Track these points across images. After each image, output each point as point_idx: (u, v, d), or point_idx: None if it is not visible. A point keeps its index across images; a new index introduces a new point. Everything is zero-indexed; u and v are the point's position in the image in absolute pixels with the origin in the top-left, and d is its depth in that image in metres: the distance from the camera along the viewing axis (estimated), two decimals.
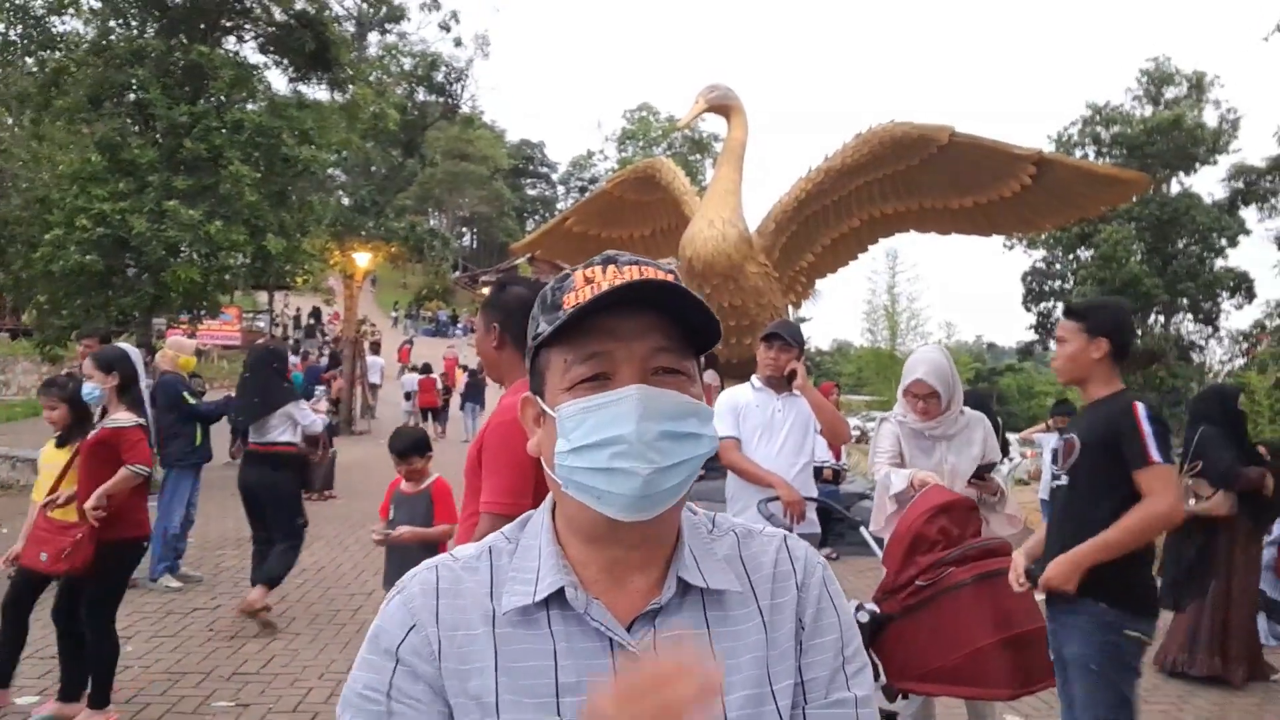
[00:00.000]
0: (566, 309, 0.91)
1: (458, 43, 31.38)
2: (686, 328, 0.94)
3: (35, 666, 4.86)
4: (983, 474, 3.65)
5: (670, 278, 0.93)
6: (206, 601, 6.52)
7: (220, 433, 8.53)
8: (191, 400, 7.25)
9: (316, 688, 4.88)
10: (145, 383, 6.98)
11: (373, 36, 26.22)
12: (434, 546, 4.17)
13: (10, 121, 16.06)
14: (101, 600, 4.24)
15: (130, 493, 4.24)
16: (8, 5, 13.99)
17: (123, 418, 4.33)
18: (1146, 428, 2.83)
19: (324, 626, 6.04)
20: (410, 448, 4.46)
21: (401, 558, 4.10)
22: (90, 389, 4.41)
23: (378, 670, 0.91)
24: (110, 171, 13.29)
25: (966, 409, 3.77)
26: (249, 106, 15.18)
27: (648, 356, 0.91)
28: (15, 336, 24.12)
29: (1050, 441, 8.24)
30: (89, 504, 4.06)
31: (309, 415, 6.67)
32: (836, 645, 0.99)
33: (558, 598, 0.92)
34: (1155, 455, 2.79)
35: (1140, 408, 2.89)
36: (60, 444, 4.52)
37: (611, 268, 0.93)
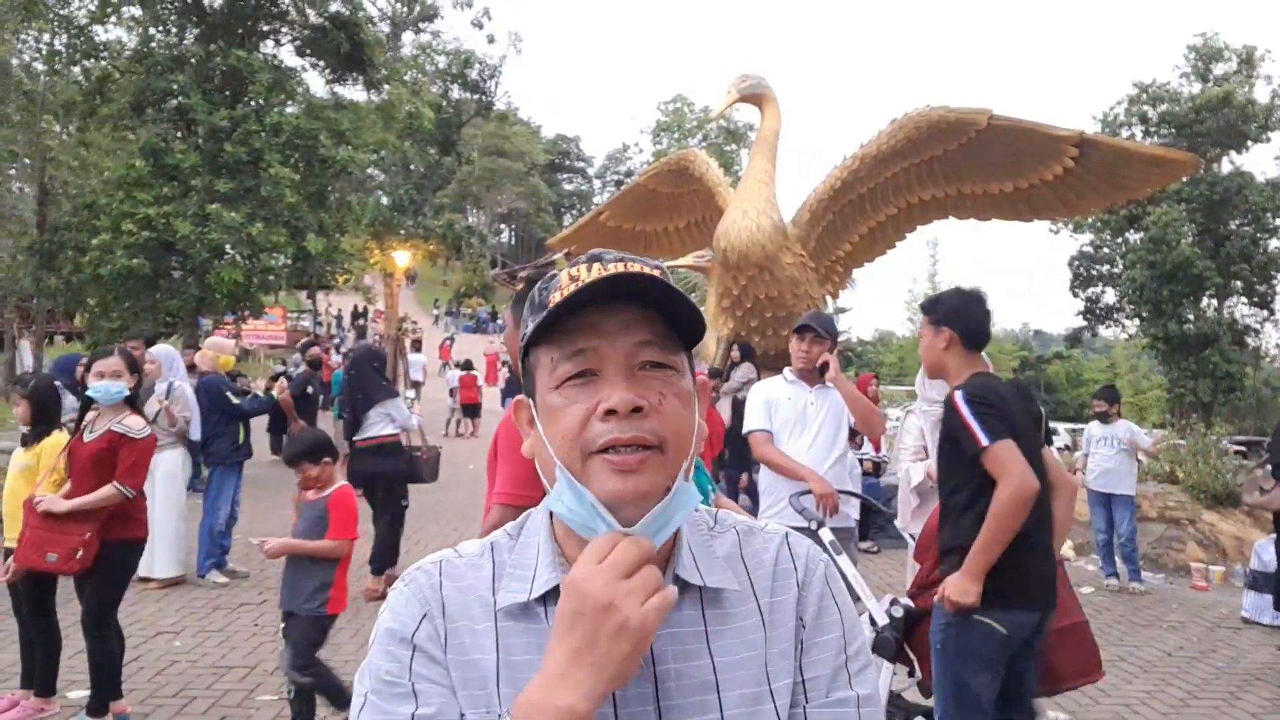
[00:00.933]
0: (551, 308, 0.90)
1: (491, 40, 31.71)
2: (675, 322, 0.93)
3: (85, 660, 4.96)
4: None
5: (656, 273, 0.92)
6: (253, 597, 6.64)
7: (258, 428, 8.73)
8: (235, 399, 7.38)
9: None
10: (189, 382, 7.19)
11: (407, 36, 26.47)
12: (329, 562, 3.82)
13: (58, 129, 16.45)
14: (104, 600, 4.12)
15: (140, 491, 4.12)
16: (53, 16, 14.32)
17: (135, 425, 4.14)
18: (968, 414, 2.80)
19: (366, 621, 6.11)
20: (299, 454, 3.96)
21: (293, 572, 3.84)
22: (118, 388, 4.13)
23: (397, 659, 0.91)
24: (154, 176, 13.59)
25: None
26: (287, 109, 15.40)
27: (633, 351, 0.91)
28: (69, 340, 24.78)
29: (1095, 429, 8.08)
30: (63, 507, 3.91)
31: (404, 412, 7.08)
32: (839, 644, 0.97)
33: (555, 594, 0.92)
34: (983, 439, 2.75)
35: (959, 396, 2.87)
36: (24, 443, 4.40)
37: (597, 265, 0.92)
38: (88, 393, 4.19)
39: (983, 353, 3.12)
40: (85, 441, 4.11)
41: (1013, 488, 2.67)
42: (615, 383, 0.89)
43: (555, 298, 0.91)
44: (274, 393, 8.61)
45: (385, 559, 6.80)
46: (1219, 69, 31.69)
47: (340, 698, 3.83)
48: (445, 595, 0.94)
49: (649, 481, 0.88)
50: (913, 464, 3.66)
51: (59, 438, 4.40)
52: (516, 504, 2.30)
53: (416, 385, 21.68)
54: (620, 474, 0.88)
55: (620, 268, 0.91)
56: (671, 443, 0.90)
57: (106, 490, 3.96)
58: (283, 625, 3.96)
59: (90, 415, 4.20)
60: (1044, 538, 2.82)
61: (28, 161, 16.23)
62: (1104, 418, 8.08)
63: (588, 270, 0.92)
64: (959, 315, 3.07)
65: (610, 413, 0.88)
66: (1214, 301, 31.56)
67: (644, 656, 0.90)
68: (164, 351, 7.14)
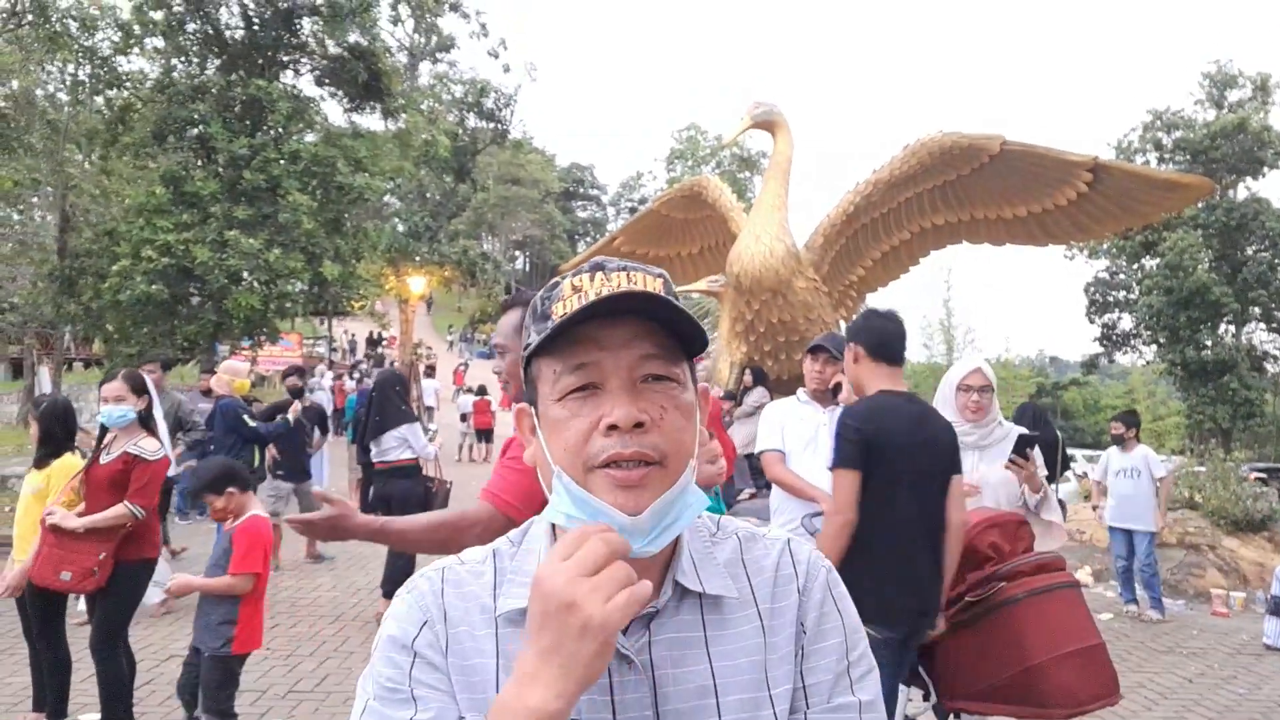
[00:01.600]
0: (555, 319, 0.91)
1: (506, 69, 32.04)
2: (677, 333, 0.93)
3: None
4: (1023, 450, 3.45)
5: (659, 284, 0.93)
6: (265, 621, 6.63)
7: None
8: (251, 422, 7.42)
9: None
10: (204, 405, 7.24)
11: (424, 66, 26.81)
12: (231, 598, 3.70)
13: (80, 158, 16.71)
14: (114, 621, 4.13)
15: (151, 511, 4.13)
16: (77, 47, 14.60)
17: (149, 447, 4.16)
18: (832, 433, 2.94)
19: None
20: (201, 487, 3.83)
21: (200, 607, 3.76)
22: (121, 411, 4.18)
23: (398, 665, 0.92)
24: (174, 203, 13.78)
25: (1004, 422, 3.74)
26: (306, 138, 15.62)
27: (635, 365, 0.91)
28: (88, 366, 25.01)
29: (1113, 457, 7.99)
30: (75, 524, 3.93)
31: (421, 440, 7.09)
32: (840, 649, 0.97)
33: None
34: (830, 461, 2.94)
35: (840, 414, 3.07)
36: (37, 465, 4.42)
37: (599, 275, 0.92)
38: (99, 417, 4.23)
39: (899, 368, 3.22)
40: (102, 464, 4.15)
41: (829, 514, 2.87)
42: (618, 397, 0.89)
43: (558, 308, 0.91)
44: (289, 416, 8.65)
45: (396, 583, 6.78)
46: (1234, 95, 31.68)
47: None
48: (446, 602, 0.95)
49: (651, 496, 0.88)
50: None
51: (71, 460, 4.44)
52: (507, 514, 2.29)
53: (429, 410, 21.72)
54: (623, 489, 0.88)
55: (623, 277, 0.92)
56: (673, 457, 0.90)
57: (118, 509, 3.99)
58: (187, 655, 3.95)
59: (109, 438, 4.24)
60: (908, 570, 2.84)
61: (50, 189, 16.47)
62: (1120, 442, 7.97)
63: (590, 279, 0.92)
64: (863, 330, 3.18)
65: (613, 428, 0.88)
66: (1232, 327, 31.32)
67: (643, 661, 0.91)
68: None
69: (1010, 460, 3.44)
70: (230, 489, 3.76)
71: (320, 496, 2.16)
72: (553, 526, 0.98)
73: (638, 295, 0.90)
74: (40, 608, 4.23)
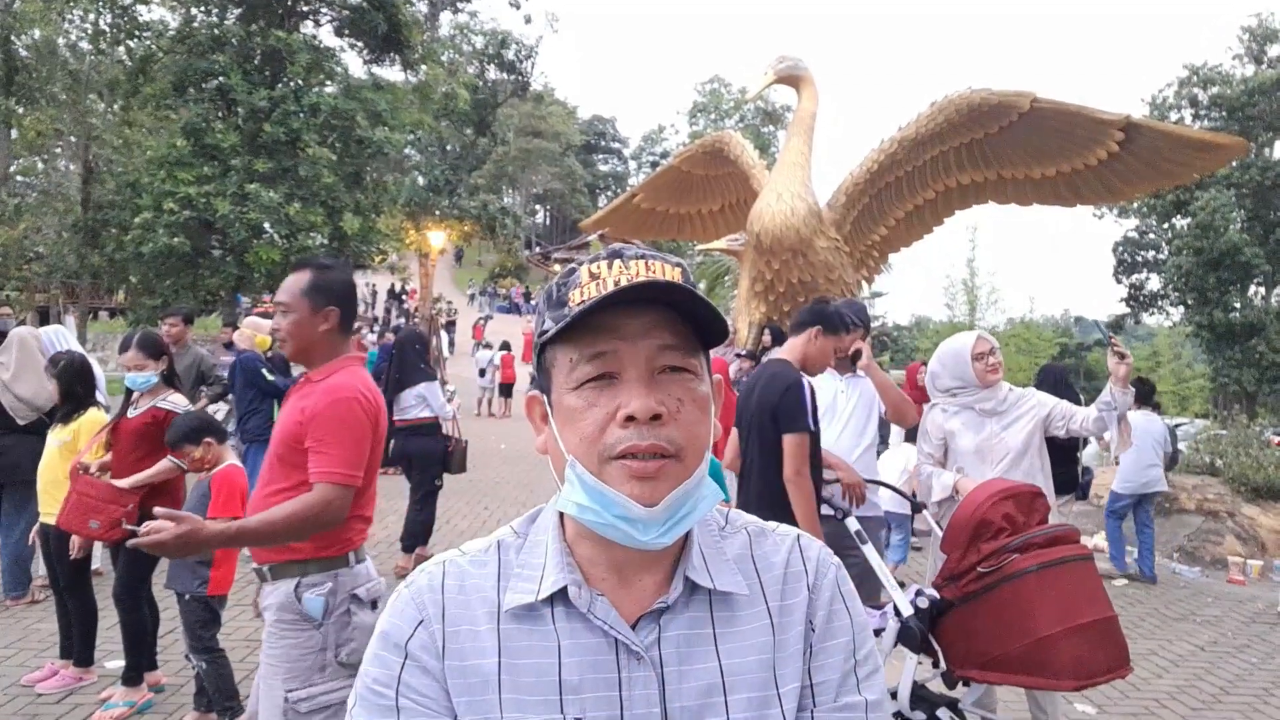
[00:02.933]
0: (572, 307, 0.89)
1: (528, 20, 31.69)
2: (694, 323, 0.92)
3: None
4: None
5: (678, 273, 0.91)
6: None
7: None
8: (270, 376, 7.49)
9: None
10: (226, 358, 7.28)
11: (444, 16, 26.49)
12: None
13: (102, 108, 16.73)
14: (136, 572, 4.21)
15: None
16: None
17: (179, 402, 4.25)
18: (806, 401, 3.45)
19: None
20: (178, 438, 3.87)
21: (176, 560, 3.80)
22: (144, 378, 4.22)
23: (387, 666, 0.91)
24: (195, 156, 13.80)
25: (1013, 386, 3.91)
26: (326, 89, 15.53)
27: (653, 355, 0.90)
28: (113, 315, 25.29)
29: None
30: (125, 482, 4.02)
31: (440, 399, 7.16)
32: (848, 648, 0.97)
33: (562, 595, 0.92)
34: (808, 425, 3.43)
35: (806, 382, 3.57)
36: (63, 420, 4.53)
37: (618, 263, 0.91)
38: (127, 382, 4.33)
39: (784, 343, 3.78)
40: (130, 417, 4.25)
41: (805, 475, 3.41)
42: (635, 388, 0.88)
43: (575, 296, 0.90)
44: None
45: (415, 538, 6.90)
46: (1274, 50, 30.76)
47: (222, 701, 3.86)
48: (446, 598, 0.93)
49: (666, 488, 0.88)
50: (935, 472, 3.78)
51: (96, 414, 4.55)
52: (348, 484, 2.41)
53: (440, 361, 21.77)
54: (638, 480, 0.87)
55: (641, 266, 0.90)
56: (689, 450, 0.90)
57: (163, 464, 4.11)
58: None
59: (135, 395, 4.34)
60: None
61: (73, 140, 16.52)
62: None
63: (608, 267, 0.91)
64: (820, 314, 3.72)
65: (630, 419, 0.87)
66: (1262, 289, 30.79)
67: (651, 657, 0.90)
68: (55, 332, 6.41)
69: (1112, 348, 3.74)
70: (208, 439, 3.88)
71: (166, 515, 2.14)
72: (561, 516, 0.97)
73: (659, 285, 0.88)
74: (67, 557, 4.32)
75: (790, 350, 3.73)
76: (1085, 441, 8.26)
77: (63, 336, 6.00)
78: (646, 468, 0.87)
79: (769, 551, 1.00)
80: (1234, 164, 27.16)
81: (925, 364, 7.75)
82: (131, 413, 4.26)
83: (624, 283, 0.88)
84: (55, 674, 4.46)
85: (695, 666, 0.91)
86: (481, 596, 0.94)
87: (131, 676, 4.23)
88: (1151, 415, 7.99)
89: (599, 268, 0.91)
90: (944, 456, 3.94)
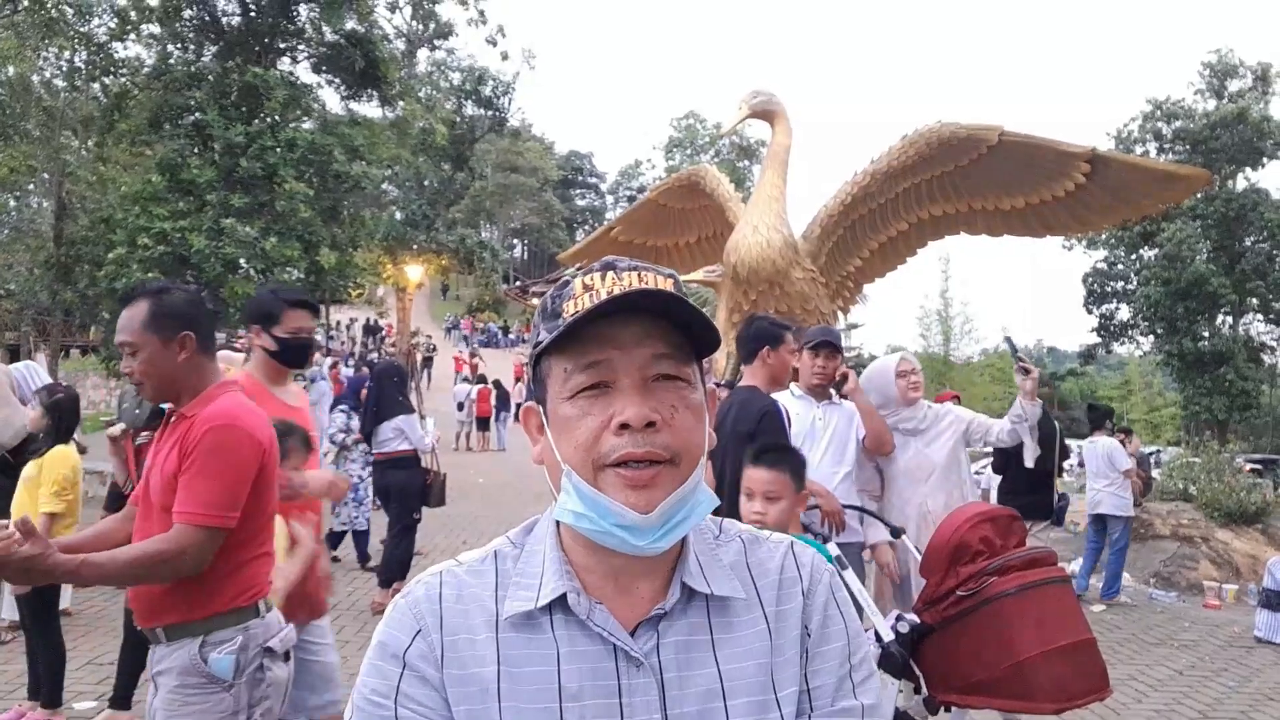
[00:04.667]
0: (566, 318, 0.90)
1: (505, 56, 31.97)
2: (687, 333, 0.93)
3: (94, 673, 4.99)
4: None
5: (669, 283, 0.93)
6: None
7: None
8: None
9: None
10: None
11: (422, 53, 26.65)
12: None
13: (76, 145, 16.65)
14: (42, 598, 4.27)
15: None
16: (73, 33, 14.52)
17: None
18: (783, 426, 3.55)
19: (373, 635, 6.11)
20: (144, 426, 3.87)
21: None
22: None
23: (385, 676, 0.91)
24: (170, 191, 13.74)
25: (930, 403, 4.17)
26: (303, 125, 15.55)
27: (647, 364, 0.91)
28: (85, 353, 24.98)
29: (1113, 450, 8.02)
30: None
31: (418, 432, 7.13)
32: (843, 653, 0.98)
33: (561, 603, 0.92)
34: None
35: (779, 407, 3.72)
36: (36, 453, 4.44)
37: (610, 274, 0.92)
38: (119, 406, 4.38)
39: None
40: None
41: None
42: (629, 396, 0.89)
43: (569, 307, 0.91)
44: None
45: (393, 572, 6.81)
46: (1234, 85, 31.56)
47: None
48: (444, 608, 0.93)
49: (662, 494, 0.89)
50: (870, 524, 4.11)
51: (62, 450, 4.51)
52: (211, 526, 2.12)
53: (419, 393, 21.65)
54: (633, 488, 0.88)
55: (634, 277, 0.92)
56: (684, 456, 0.90)
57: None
58: None
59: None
60: None
61: (46, 176, 16.42)
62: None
63: (601, 279, 0.92)
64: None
65: (624, 427, 0.88)
66: (1229, 319, 31.33)
67: (651, 663, 0.91)
68: (26, 367, 6.11)
69: (1018, 363, 4.04)
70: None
71: (23, 528, 1.88)
72: (558, 524, 0.98)
73: (652, 293, 0.90)
74: (31, 598, 4.26)
75: (753, 376, 3.79)
76: (1061, 469, 8.35)
77: (34, 372, 5.93)
78: (641, 476, 0.88)
79: (764, 558, 1.01)
80: (1199, 196, 27.76)
81: (958, 397, 7.84)
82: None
83: (617, 293, 0.90)
84: (22, 715, 4.35)
85: (695, 673, 0.92)
86: (480, 605, 0.94)
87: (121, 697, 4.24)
88: (1101, 439, 8.10)
89: (592, 279, 0.92)
90: (879, 482, 4.15)
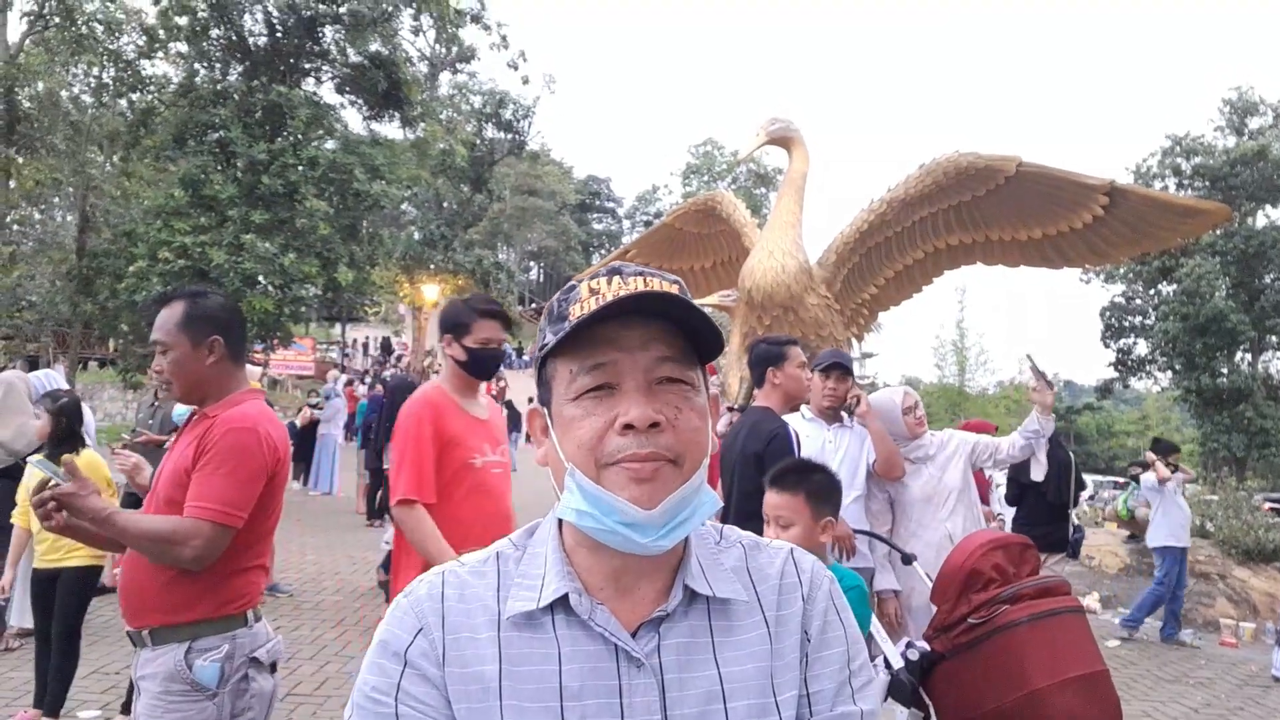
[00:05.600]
0: (571, 320, 0.91)
1: (525, 81, 32.22)
2: (692, 337, 0.94)
3: (99, 682, 4.99)
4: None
5: (674, 288, 0.94)
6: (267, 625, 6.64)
7: None
8: None
9: None
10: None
11: (444, 76, 27.01)
12: None
13: (101, 159, 16.89)
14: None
15: None
16: (102, 50, 14.77)
17: None
18: (792, 450, 3.40)
19: None
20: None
21: None
22: (185, 410, 4.43)
23: (386, 674, 0.91)
24: (192, 206, 13.89)
25: (933, 432, 4.27)
26: (325, 144, 15.73)
27: (651, 367, 0.92)
28: (103, 365, 25.19)
29: (1171, 486, 7.88)
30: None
31: None
32: (842, 658, 0.98)
33: (563, 603, 0.93)
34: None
35: (791, 430, 3.65)
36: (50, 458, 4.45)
37: (616, 279, 0.93)
38: (174, 417, 4.46)
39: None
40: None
41: None
42: (633, 398, 0.90)
43: (575, 310, 0.92)
44: (296, 421, 8.68)
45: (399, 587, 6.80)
46: (1254, 123, 31.50)
47: None
48: (446, 606, 0.94)
49: (665, 491, 0.89)
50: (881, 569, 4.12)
51: (91, 454, 4.53)
52: (227, 524, 2.16)
53: None
54: (636, 482, 0.89)
55: (640, 283, 0.92)
56: (687, 456, 0.91)
57: None
58: None
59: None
60: None
61: (71, 190, 16.65)
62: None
63: (607, 283, 0.93)
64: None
65: (628, 427, 0.89)
66: (1248, 355, 31.05)
67: (652, 665, 0.91)
68: (45, 375, 6.08)
69: (1039, 376, 4.11)
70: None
71: (70, 468, 2.01)
72: (560, 526, 0.98)
73: (656, 296, 0.91)
74: (66, 602, 4.32)
75: (766, 398, 3.79)
76: (1076, 500, 8.26)
77: (53, 380, 5.98)
78: (644, 469, 0.89)
79: (764, 563, 1.01)
80: (1218, 232, 27.63)
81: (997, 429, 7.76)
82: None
83: (623, 295, 0.91)
84: None
85: (695, 674, 0.92)
86: (482, 605, 0.94)
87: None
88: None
89: (598, 283, 0.93)
90: (889, 509, 4.15)
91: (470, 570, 0.98)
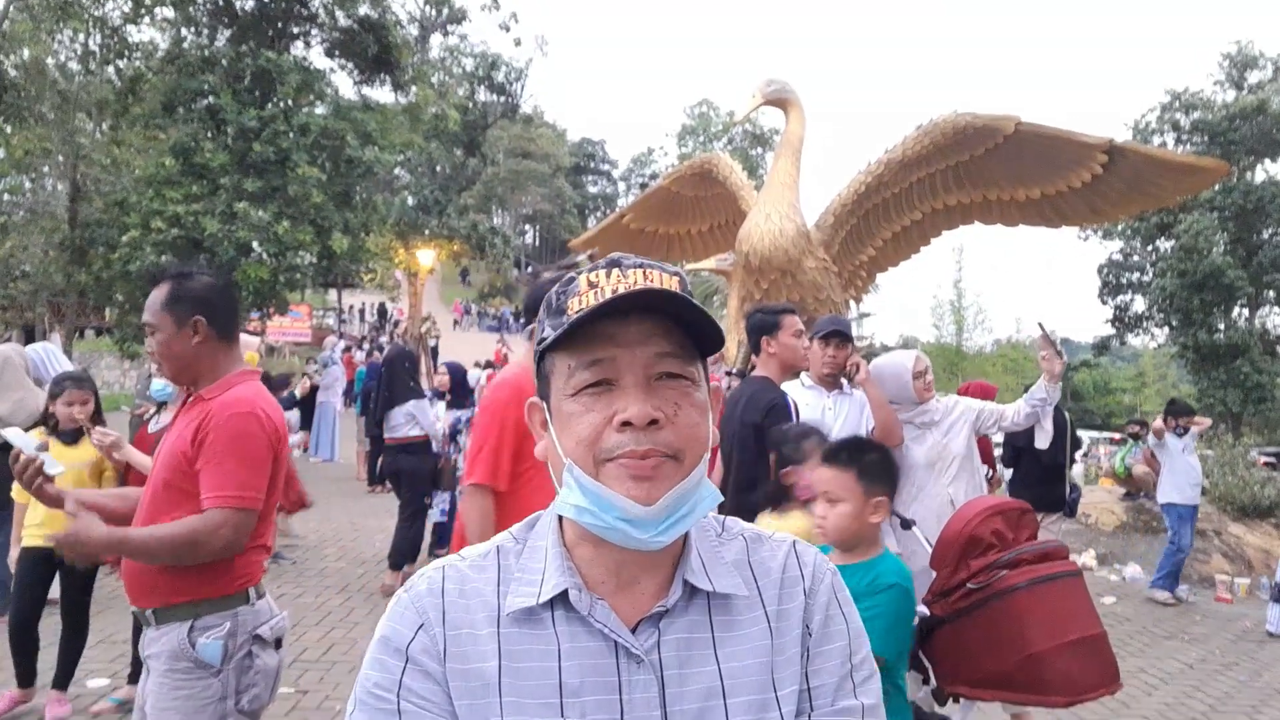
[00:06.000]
0: (570, 315, 0.91)
1: (518, 43, 31.89)
2: (692, 331, 0.93)
3: (107, 651, 5.04)
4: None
5: (675, 281, 0.93)
6: (270, 590, 6.70)
7: None
8: None
9: None
10: None
11: (435, 39, 26.61)
12: None
13: (90, 128, 16.70)
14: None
15: None
16: (88, 16, 14.54)
17: None
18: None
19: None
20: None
21: None
22: (163, 386, 4.37)
23: (388, 670, 0.91)
24: (184, 175, 13.77)
25: (938, 396, 4.25)
26: (315, 110, 15.56)
27: (650, 363, 0.91)
28: (99, 334, 25.14)
29: (1173, 442, 7.89)
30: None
31: (428, 417, 7.15)
32: (844, 653, 0.98)
33: (563, 599, 0.93)
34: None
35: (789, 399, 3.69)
36: (73, 440, 4.22)
37: (616, 272, 0.92)
38: (151, 392, 4.39)
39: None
40: (150, 431, 4.35)
41: None
42: (632, 394, 0.89)
43: (573, 304, 0.91)
44: (295, 392, 8.68)
45: (403, 555, 6.86)
46: (1254, 77, 31.20)
47: None
48: (447, 602, 0.94)
49: (664, 488, 0.89)
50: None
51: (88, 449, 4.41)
52: (247, 507, 2.20)
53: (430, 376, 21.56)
54: (635, 479, 0.88)
55: (639, 275, 0.92)
56: (687, 452, 0.91)
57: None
58: None
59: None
60: None
61: (61, 159, 16.48)
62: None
63: (606, 276, 0.92)
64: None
65: (626, 424, 0.89)
66: (1245, 311, 31.07)
67: (651, 660, 0.91)
68: (43, 349, 6.03)
69: (1052, 346, 4.16)
70: None
71: (77, 502, 2.08)
72: (560, 520, 0.98)
73: (655, 293, 0.90)
74: (80, 584, 4.31)
75: (764, 367, 3.78)
76: (1073, 460, 8.30)
77: (51, 354, 5.95)
78: (644, 466, 0.88)
79: (766, 557, 1.01)
80: (1216, 187, 27.50)
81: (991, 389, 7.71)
82: (153, 428, 4.23)
83: (622, 291, 0.90)
84: (16, 703, 4.32)
85: (695, 670, 0.92)
86: (482, 600, 0.94)
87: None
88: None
89: (597, 276, 0.92)
90: None
91: (471, 564, 0.98)
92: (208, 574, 2.21)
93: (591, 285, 0.92)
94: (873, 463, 2.45)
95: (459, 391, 7.60)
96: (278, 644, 2.35)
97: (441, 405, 7.77)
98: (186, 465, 2.22)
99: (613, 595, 0.94)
